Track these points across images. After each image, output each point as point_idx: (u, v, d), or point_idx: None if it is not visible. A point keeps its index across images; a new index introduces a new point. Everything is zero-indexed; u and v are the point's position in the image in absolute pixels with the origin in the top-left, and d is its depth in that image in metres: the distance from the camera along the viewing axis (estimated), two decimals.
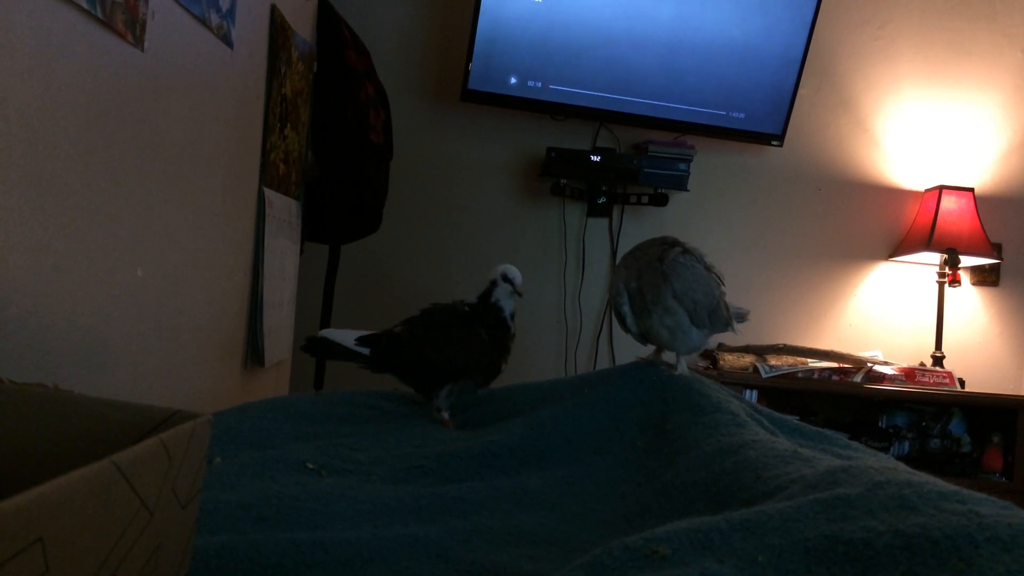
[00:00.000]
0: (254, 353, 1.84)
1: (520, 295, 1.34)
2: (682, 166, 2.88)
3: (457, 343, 1.26)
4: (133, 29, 1.13)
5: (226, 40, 1.54)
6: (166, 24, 1.25)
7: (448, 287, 2.96)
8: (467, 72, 2.70)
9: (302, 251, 2.30)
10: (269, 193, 1.86)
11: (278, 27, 1.85)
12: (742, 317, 1.48)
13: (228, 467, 0.91)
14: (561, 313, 2.98)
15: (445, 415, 1.25)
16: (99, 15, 1.02)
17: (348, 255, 2.60)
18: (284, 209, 2.01)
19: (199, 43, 1.42)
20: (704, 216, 3.05)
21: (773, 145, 2.98)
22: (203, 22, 1.41)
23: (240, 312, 1.77)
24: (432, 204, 2.96)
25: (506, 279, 1.32)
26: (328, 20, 2.29)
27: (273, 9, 1.83)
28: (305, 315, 2.47)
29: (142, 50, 1.16)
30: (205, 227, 1.52)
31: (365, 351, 1.26)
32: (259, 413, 1.19)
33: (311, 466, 0.95)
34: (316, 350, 1.30)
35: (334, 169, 2.26)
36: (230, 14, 1.55)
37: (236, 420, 1.12)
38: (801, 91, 2.94)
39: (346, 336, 1.27)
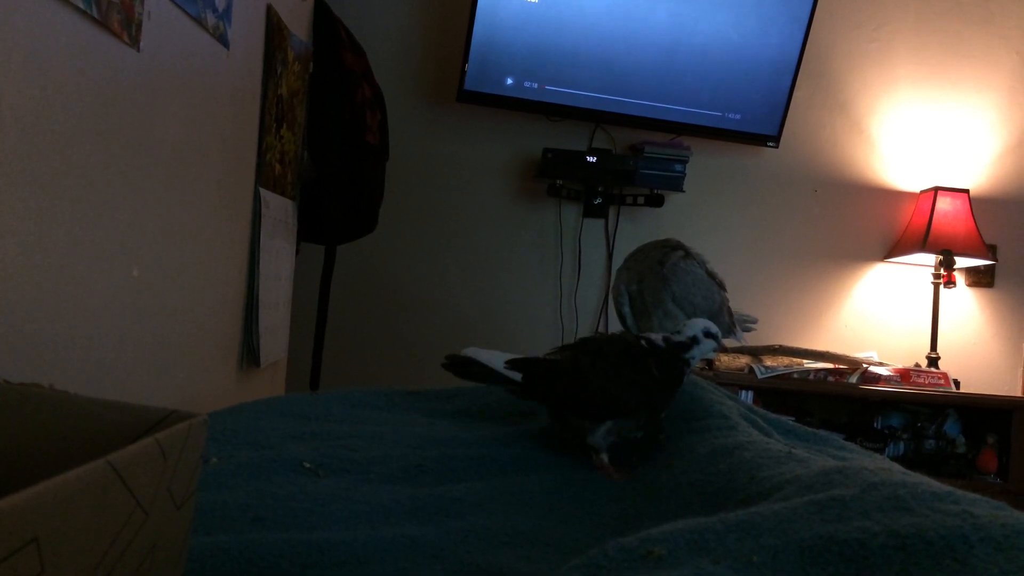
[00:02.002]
0: (250, 353, 1.83)
1: (725, 350, 1.20)
2: (678, 167, 2.89)
3: (626, 379, 1.10)
4: (129, 29, 1.13)
5: (222, 40, 1.54)
6: (162, 24, 1.25)
7: (445, 288, 2.96)
8: (463, 73, 2.70)
9: (298, 251, 2.30)
10: (265, 193, 1.86)
11: (274, 27, 1.85)
12: (748, 326, 1.47)
13: (224, 467, 0.91)
14: (557, 314, 2.99)
15: (604, 457, 1.08)
16: (95, 15, 1.02)
17: (344, 256, 2.60)
18: (280, 209, 2.01)
19: (195, 43, 1.42)
20: (700, 217, 3.06)
21: (769, 146, 2.98)
22: (199, 22, 1.41)
23: (236, 312, 1.77)
24: (428, 205, 2.96)
25: (709, 335, 1.14)
26: (324, 21, 2.28)
27: (269, 9, 1.82)
28: (301, 316, 2.47)
29: (138, 50, 1.16)
30: (201, 227, 1.52)
31: (516, 376, 1.10)
32: (255, 413, 1.19)
33: (307, 466, 0.95)
34: (459, 369, 1.16)
35: (330, 170, 2.26)
36: (226, 14, 1.55)
37: (232, 420, 1.12)
38: (797, 92, 2.94)
39: (493, 357, 1.12)
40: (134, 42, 1.15)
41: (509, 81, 2.75)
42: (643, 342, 1.11)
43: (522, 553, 0.79)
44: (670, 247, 1.39)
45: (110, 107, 1.10)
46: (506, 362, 1.10)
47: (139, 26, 1.16)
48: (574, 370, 1.09)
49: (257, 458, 0.94)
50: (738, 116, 2.92)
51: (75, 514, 0.41)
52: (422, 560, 0.73)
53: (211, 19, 1.48)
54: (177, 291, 1.41)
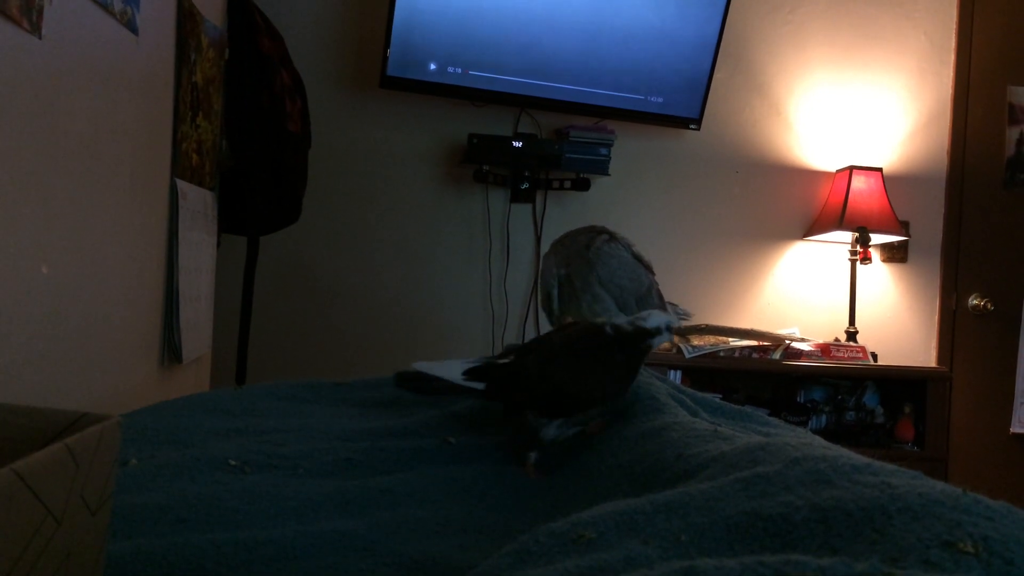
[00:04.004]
0: (171, 349, 1.79)
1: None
2: (603, 151, 2.91)
3: (594, 373, 1.06)
4: (29, 15, 1.08)
5: (131, 26, 1.49)
6: (65, 10, 1.19)
7: (373, 277, 2.93)
8: (385, 59, 2.67)
9: (219, 243, 2.25)
10: (182, 185, 1.81)
11: (186, 13, 1.79)
12: (683, 317, 1.49)
13: (144, 468, 0.88)
14: (487, 299, 2.99)
15: (532, 457, 1.04)
16: None
17: (267, 247, 2.55)
18: (198, 201, 1.96)
19: (102, 30, 1.36)
20: (626, 200, 3.09)
21: (691, 129, 3.03)
22: (105, 8, 1.36)
23: (155, 308, 1.71)
24: (353, 193, 2.92)
25: (669, 329, 1.12)
26: (240, 6, 2.22)
27: None
28: (225, 309, 2.41)
29: (39, 37, 1.11)
30: (114, 221, 1.46)
31: (478, 386, 1.05)
32: (177, 411, 1.16)
33: (233, 463, 0.93)
34: (416, 386, 1.10)
35: (250, 159, 2.20)
36: (134, 0, 1.49)
37: (152, 419, 1.09)
38: (716, 75, 2.99)
39: (448, 369, 1.06)
40: (35, 29, 1.10)
41: (432, 66, 2.73)
42: (608, 328, 1.08)
43: (454, 542, 0.79)
44: (596, 232, 1.40)
45: (11, 98, 1.05)
46: (464, 373, 1.04)
47: (40, 12, 1.11)
48: (540, 374, 1.05)
49: (179, 457, 0.91)
50: (660, 99, 2.96)
51: None
52: (353, 554, 0.72)
53: (118, 5, 1.42)
54: (91, 288, 1.36)
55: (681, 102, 2.98)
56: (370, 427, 1.14)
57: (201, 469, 0.89)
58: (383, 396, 1.38)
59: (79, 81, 1.28)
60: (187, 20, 1.81)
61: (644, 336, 1.09)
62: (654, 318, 1.10)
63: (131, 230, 1.55)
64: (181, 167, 1.82)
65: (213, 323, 2.22)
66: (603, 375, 1.06)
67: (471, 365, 1.06)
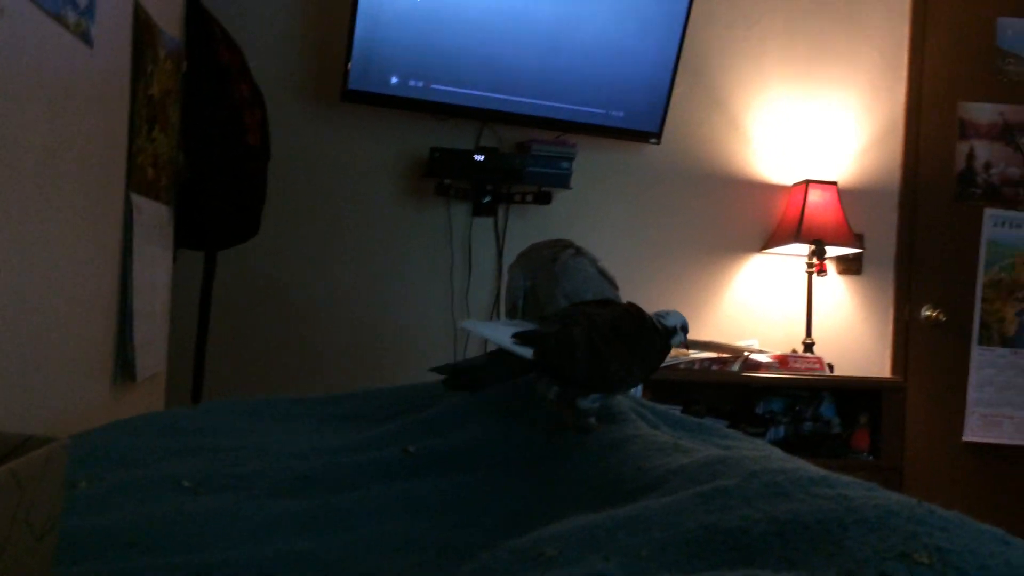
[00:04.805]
0: (125, 367, 1.75)
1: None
2: (564, 164, 2.92)
3: (637, 355, 1.08)
4: None
5: (85, 38, 1.46)
6: (16, 21, 1.17)
7: (333, 291, 2.90)
8: (346, 72, 2.66)
9: (175, 258, 2.21)
10: (137, 199, 1.78)
11: (142, 24, 1.77)
12: None
13: (94, 491, 0.86)
14: (449, 313, 2.97)
15: (593, 420, 1.07)
16: None
17: (225, 262, 2.52)
18: (154, 215, 1.93)
19: (55, 41, 1.34)
20: (587, 213, 3.10)
21: (651, 143, 3.05)
22: (58, 19, 1.33)
23: (108, 324, 1.68)
24: (314, 207, 2.90)
25: (684, 330, 1.15)
26: (198, 17, 2.20)
27: (137, 5, 1.74)
28: (181, 326, 2.37)
29: None
30: (66, 237, 1.43)
31: (526, 352, 1.01)
32: (130, 430, 1.13)
33: (187, 484, 0.91)
34: (456, 383, 1.06)
35: (208, 172, 2.17)
36: (89, 11, 1.47)
37: (104, 439, 1.06)
38: (676, 90, 3.02)
39: (496, 331, 1.03)
40: None
41: (394, 80, 2.72)
42: (652, 317, 1.12)
43: (414, 560, 0.78)
44: (561, 246, 1.40)
45: None
46: (513, 336, 1.02)
47: None
48: (590, 348, 1.04)
49: (131, 479, 0.89)
50: (621, 113, 2.98)
51: None
52: (310, 575, 0.71)
53: (72, 16, 1.39)
54: (41, 305, 1.33)
55: (641, 116, 3.00)
56: (328, 443, 1.13)
57: (153, 491, 0.87)
58: (343, 410, 1.37)
59: (31, 93, 1.25)
60: (143, 31, 1.78)
61: (669, 334, 1.13)
62: (672, 317, 1.14)
63: (84, 245, 1.52)
64: (136, 181, 1.78)
65: (169, 340, 2.18)
66: (642, 359, 1.09)
67: (519, 329, 1.03)
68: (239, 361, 2.81)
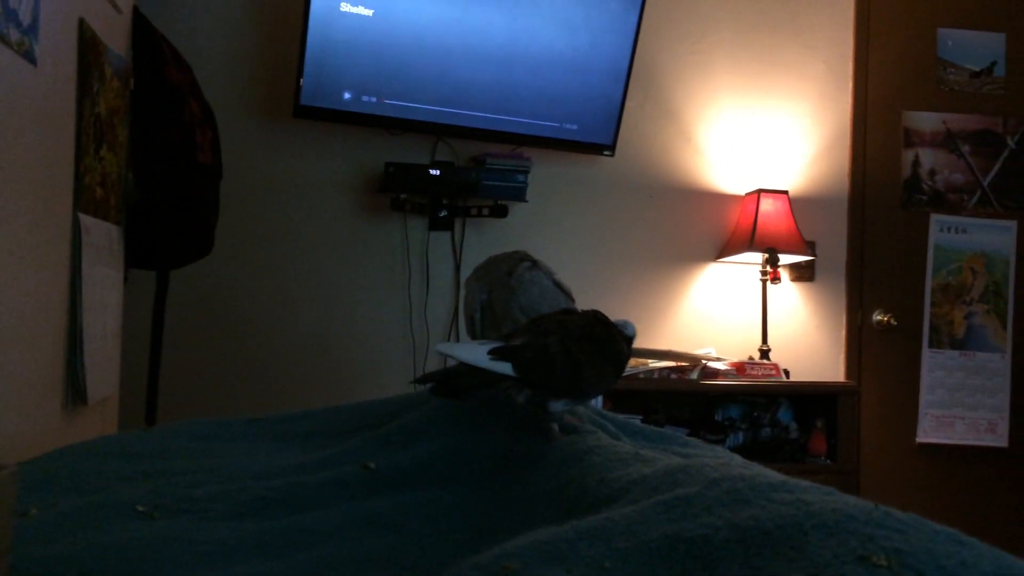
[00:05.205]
0: (76, 391, 1.71)
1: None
2: (520, 177, 2.93)
3: (609, 361, 1.11)
4: None
5: (28, 57, 1.43)
6: None
7: (290, 309, 2.87)
8: (298, 88, 2.64)
9: (126, 279, 2.17)
10: (85, 219, 1.74)
11: (88, 42, 1.74)
12: None
13: (45, 518, 0.84)
14: (408, 328, 2.96)
15: (556, 428, 1.09)
16: None
17: (178, 281, 2.47)
18: (103, 235, 1.89)
19: None
20: (544, 226, 3.11)
21: (605, 155, 3.08)
22: (1, 38, 1.30)
23: (57, 347, 1.64)
24: (268, 224, 2.87)
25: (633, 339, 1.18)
26: (145, 35, 2.17)
27: (82, 23, 1.71)
28: (135, 347, 2.33)
29: None
30: (11, 259, 1.40)
31: (505, 368, 1.03)
32: (81, 455, 1.11)
33: (141, 509, 0.89)
34: (444, 390, 1.09)
35: (159, 191, 2.14)
36: (32, 29, 1.44)
37: (55, 465, 1.03)
38: (629, 103, 3.05)
39: (471, 351, 1.04)
40: None
41: (347, 95, 2.71)
42: (615, 323, 1.14)
43: None
44: (518, 259, 1.40)
45: None
46: (489, 352, 1.04)
47: None
48: (565, 356, 1.07)
49: (83, 505, 0.87)
50: (575, 126, 3.00)
51: None
52: None
53: (14, 34, 1.37)
54: None
55: (595, 129, 3.03)
56: (287, 462, 1.11)
57: (107, 517, 0.85)
58: (301, 429, 1.34)
59: None
60: (89, 49, 1.75)
61: (630, 341, 1.16)
62: (630, 326, 1.17)
63: (31, 267, 1.48)
64: (84, 201, 1.75)
65: (121, 362, 2.14)
66: (614, 364, 1.12)
67: (492, 345, 1.06)
68: (194, 382, 2.76)
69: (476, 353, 1.05)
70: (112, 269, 1.99)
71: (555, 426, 1.09)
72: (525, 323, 1.16)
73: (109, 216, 1.94)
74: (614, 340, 1.13)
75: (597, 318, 1.15)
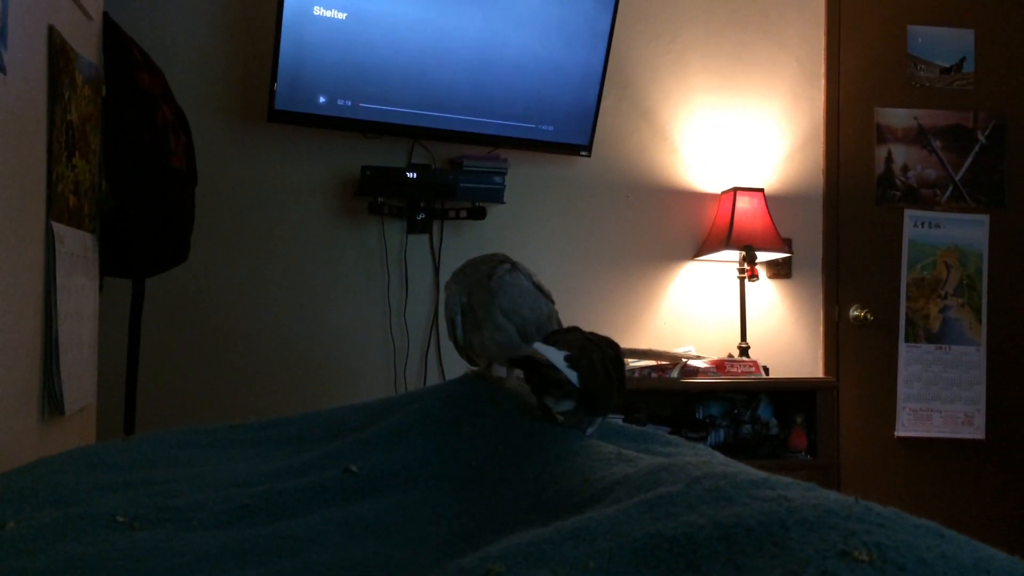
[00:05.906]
0: (52, 401, 1.69)
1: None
2: (497, 179, 2.93)
3: (623, 377, 1.16)
4: None
5: None
6: None
7: (269, 314, 2.85)
8: (272, 92, 2.62)
9: (102, 287, 2.15)
10: (59, 228, 1.72)
11: (58, 49, 1.72)
12: None
13: (23, 531, 0.82)
14: (387, 332, 2.95)
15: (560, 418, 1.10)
16: None
17: (155, 288, 2.45)
18: (77, 243, 1.87)
19: None
20: (522, 227, 3.11)
21: (582, 155, 3.09)
22: None
23: (32, 358, 1.62)
24: (245, 229, 2.85)
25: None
26: (116, 41, 2.15)
27: (51, 30, 1.69)
28: (112, 356, 2.30)
29: None
30: None
31: (573, 377, 1.04)
32: (59, 466, 1.09)
33: (121, 519, 0.88)
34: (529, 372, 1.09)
35: (133, 198, 2.12)
36: (0, 37, 1.42)
37: (31, 477, 1.02)
38: (604, 103, 3.06)
39: (552, 353, 1.05)
40: None
41: (322, 99, 2.70)
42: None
43: None
44: (497, 261, 1.40)
45: None
46: (565, 358, 1.06)
47: None
48: (605, 372, 1.10)
49: (62, 517, 0.86)
50: (551, 128, 3.01)
51: None
52: None
53: None
54: None
55: (571, 130, 3.04)
56: (268, 469, 1.10)
57: (86, 528, 0.84)
58: (281, 434, 1.34)
59: None
60: (59, 56, 1.73)
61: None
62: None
63: (4, 277, 1.46)
64: (57, 209, 1.73)
65: (98, 371, 2.11)
66: (626, 384, 1.18)
67: (565, 352, 1.08)
68: (172, 390, 2.74)
69: (555, 356, 1.06)
70: (87, 278, 1.97)
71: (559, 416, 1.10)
72: (554, 336, 1.18)
73: (83, 224, 1.92)
74: (623, 362, 1.17)
75: (610, 339, 1.19)
